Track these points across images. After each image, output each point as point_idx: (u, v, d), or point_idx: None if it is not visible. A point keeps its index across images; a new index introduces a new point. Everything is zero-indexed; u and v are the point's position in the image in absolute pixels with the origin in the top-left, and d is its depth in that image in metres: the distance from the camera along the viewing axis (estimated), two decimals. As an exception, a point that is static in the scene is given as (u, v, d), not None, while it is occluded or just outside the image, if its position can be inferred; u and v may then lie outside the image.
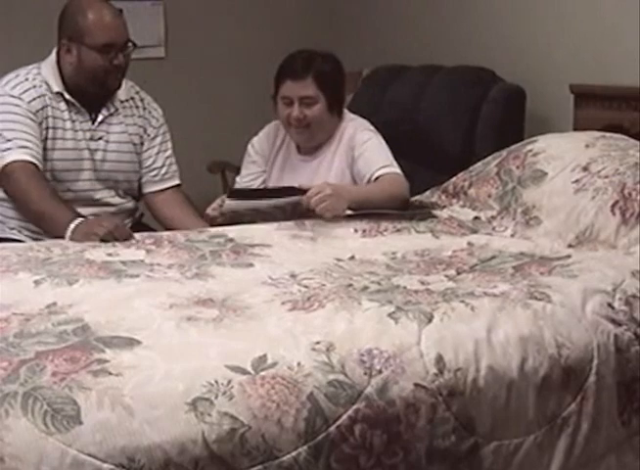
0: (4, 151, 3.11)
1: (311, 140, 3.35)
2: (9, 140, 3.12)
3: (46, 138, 3.20)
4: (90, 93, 3.26)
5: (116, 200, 3.37)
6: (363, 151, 3.26)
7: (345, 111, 3.43)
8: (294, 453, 1.81)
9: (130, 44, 3.24)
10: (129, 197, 3.43)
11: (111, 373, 1.79)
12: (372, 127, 3.37)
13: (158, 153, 3.43)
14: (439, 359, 2.00)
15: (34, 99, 3.18)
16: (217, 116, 5.07)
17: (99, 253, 2.62)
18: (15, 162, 3.09)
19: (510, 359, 2.06)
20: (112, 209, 3.34)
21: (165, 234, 2.88)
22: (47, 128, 3.20)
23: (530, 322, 2.15)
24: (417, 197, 3.31)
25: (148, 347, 1.91)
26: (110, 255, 2.61)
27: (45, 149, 3.19)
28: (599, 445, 2.16)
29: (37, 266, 2.46)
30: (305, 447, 1.82)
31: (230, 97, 5.11)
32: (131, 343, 1.92)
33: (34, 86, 3.21)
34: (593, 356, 2.15)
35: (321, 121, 3.29)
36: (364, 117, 3.43)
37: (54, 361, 1.81)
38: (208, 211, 3.20)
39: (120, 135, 3.33)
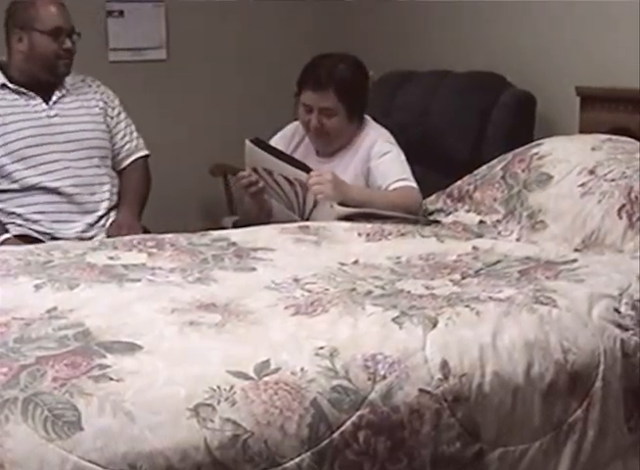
0: None
1: (328, 146, 3.38)
2: None
3: None
4: (38, 80, 3.43)
5: (91, 171, 3.48)
6: (379, 163, 3.28)
7: (368, 118, 3.44)
8: (297, 460, 1.79)
9: (76, 33, 3.44)
10: (104, 168, 3.54)
11: (112, 379, 1.77)
12: (393, 139, 3.38)
13: (126, 127, 3.63)
14: (444, 365, 1.98)
15: None
16: (219, 118, 5.06)
17: (100, 256, 2.61)
18: None
19: (515, 365, 2.04)
20: (85, 179, 3.46)
21: (167, 237, 2.86)
22: None
23: (536, 327, 2.13)
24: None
25: (149, 352, 1.89)
26: (111, 258, 2.60)
27: None
28: (605, 451, 2.14)
29: (38, 270, 2.45)
30: (309, 454, 1.80)
31: (232, 99, 5.09)
32: (133, 348, 1.90)
33: None
34: (599, 362, 2.13)
35: (339, 131, 3.32)
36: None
37: (54, 367, 1.80)
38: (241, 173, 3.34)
39: (77, 110, 3.50)
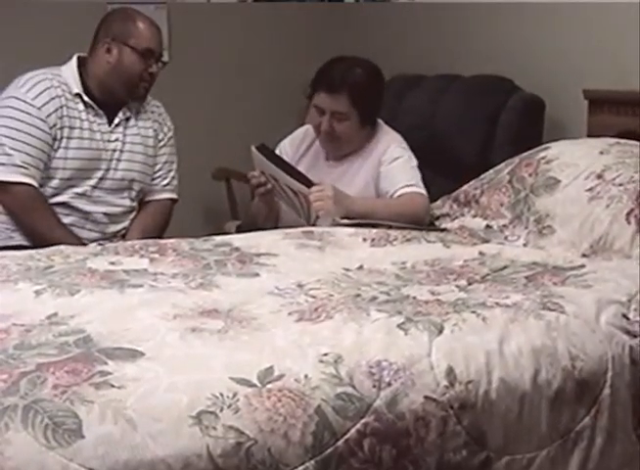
0: (3, 164, 3.22)
1: (338, 150, 3.36)
2: (9, 154, 3.22)
3: (62, 137, 3.28)
4: (114, 96, 3.38)
5: (126, 202, 3.45)
6: (389, 168, 3.26)
7: (381, 123, 3.42)
8: (301, 468, 1.76)
9: (163, 61, 3.42)
10: (136, 200, 3.51)
11: (113, 385, 1.75)
12: (405, 144, 3.36)
13: (165, 162, 3.55)
14: (450, 371, 1.96)
15: (48, 101, 3.27)
16: (222, 122, 5.04)
17: (101, 261, 2.60)
18: (17, 183, 3.23)
19: (522, 371, 2.02)
20: (117, 209, 3.43)
21: (170, 242, 2.86)
22: (62, 128, 3.29)
23: (543, 333, 2.11)
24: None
25: (151, 358, 1.87)
26: (112, 263, 2.58)
27: (59, 148, 3.29)
28: (613, 459, 2.12)
29: (38, 276, 2.43)
30: (313, 462, 1.77)
31: (235, 103, 5.08)
32: (134, 354, 1.88)
33: (52, 86, 3.30)
34: (607, 368, 2.12)
35: (350, 136, 3.29)
36: None
37: (55, 373, 1.78)
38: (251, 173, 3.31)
39: (134, 137, 3.43)
